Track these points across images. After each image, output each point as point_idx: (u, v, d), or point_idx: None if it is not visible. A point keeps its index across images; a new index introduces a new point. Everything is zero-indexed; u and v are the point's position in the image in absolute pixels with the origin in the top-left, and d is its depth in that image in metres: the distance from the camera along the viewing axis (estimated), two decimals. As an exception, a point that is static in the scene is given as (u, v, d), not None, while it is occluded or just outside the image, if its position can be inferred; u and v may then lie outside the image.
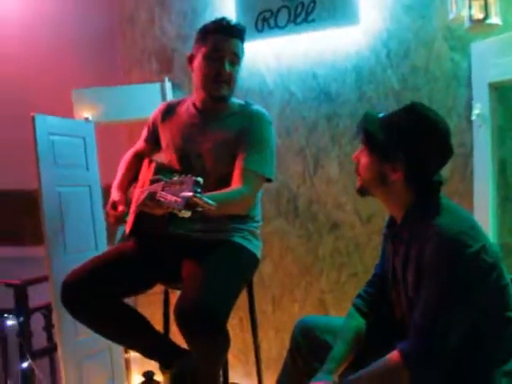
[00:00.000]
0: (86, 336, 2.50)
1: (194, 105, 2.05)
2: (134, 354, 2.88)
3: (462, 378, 1.39)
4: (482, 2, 2.03)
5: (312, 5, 2.55)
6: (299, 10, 2.58)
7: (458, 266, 1.34)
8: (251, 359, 2.25)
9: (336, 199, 2.64)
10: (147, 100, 2.86)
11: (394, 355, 1.39)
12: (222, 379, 1.97)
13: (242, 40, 1.97)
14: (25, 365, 2.55)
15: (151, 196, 1.63)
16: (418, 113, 1.50)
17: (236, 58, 1.95)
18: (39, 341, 2.71)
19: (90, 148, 2.72)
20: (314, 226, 2.70)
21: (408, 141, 1.45)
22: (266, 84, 2.76)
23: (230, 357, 2.73)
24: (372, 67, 2.54)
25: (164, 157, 2.13)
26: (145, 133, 2.23)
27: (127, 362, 2.95)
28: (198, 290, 1.70)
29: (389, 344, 1.44)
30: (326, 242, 2.68)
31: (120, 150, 3.06)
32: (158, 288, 2.34)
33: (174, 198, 1.49)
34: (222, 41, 1.93)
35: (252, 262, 2.04)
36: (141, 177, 2.11)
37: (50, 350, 2.72)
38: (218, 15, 2.74)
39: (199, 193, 1.46)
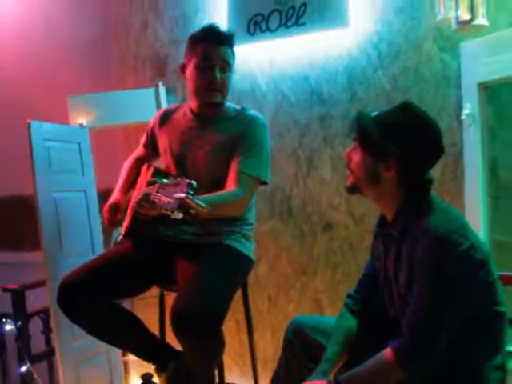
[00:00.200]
0: (84, 340, 2.52)
1: (191, 110, 2.08)
2: (132, 357, 2.90)
3: (452, 373, 1.41)
4: (469, 4, 2.05)
5: (303, 8, 2.58)
6: (290, 13, 2.61)
7: (448, 263, 1.36)
8: (248, 360, 2.27)
9: (329, 200, 2.66)
10: (142, 105, 2.88)
11: (386, 353, 1.41)
12: (217, 380, 1.99)
13: (232, 46, 2.00)
14: (23, 369, 2.55)
15: (146, 197, 1.66)
16: (412, 111, 1.52)
17: (226, 65, 1.97)
18: (38, 345, 2.72)
19: (85, 153, 2.74)
20: (307, 227, 2.72)
21: (403, 138, 1.47)
22: (258, 87, 2.78)
23: (227, 358, 2.76)
24: (363, 68, 2.56)
25: (162, 161, 2.16)
26: (143, 139, 2.27)
27: (125, 364, 2.97)
28: (192, 294, 1.71)
29: (382, 342, 1.45)
30: (320, 242, 2.70)
31: (115, 155, 3.11)
32: (154, 291, 2.36)
33: (168, 200, 1.51)
34: (211, 49, 1.95)
35: (246, 264, 2.06)
36: (139, 181, 2.14)
37: (49, 354, 2.73)
38: (209, 19, 2.80)
39: (192, 195, 1.49)
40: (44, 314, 2.72)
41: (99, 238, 2.77)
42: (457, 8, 2.08)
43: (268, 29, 2.67)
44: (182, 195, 1.48)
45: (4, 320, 2.65)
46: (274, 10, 2.64)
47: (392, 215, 1.54)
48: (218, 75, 1.94)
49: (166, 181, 1.69)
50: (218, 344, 1.78)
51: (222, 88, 1.97)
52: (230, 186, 1.91)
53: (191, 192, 1.50)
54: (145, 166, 2.15)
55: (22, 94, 3.31)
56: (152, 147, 2.21)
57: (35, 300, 2.72)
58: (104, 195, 2.73)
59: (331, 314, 2.61)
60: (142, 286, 2.07)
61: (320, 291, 2.72)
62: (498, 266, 1.50)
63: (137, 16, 3.05)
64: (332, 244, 2.68)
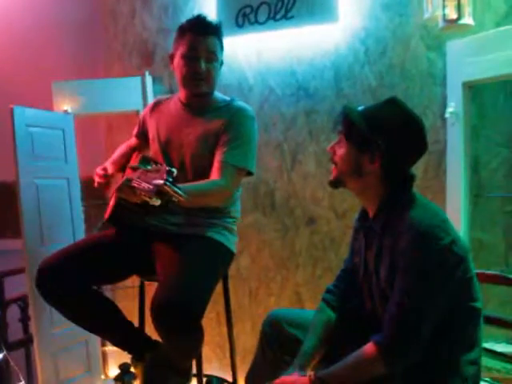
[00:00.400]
0: (62, 328, 2.52)
1: (180, 99, 2.09)
2: (110, 347, 2.89)
3: (428, 367, 1.42)
4: (456, 3, 2.07)
5: (291, 2, 2.57)
6: (279, 6, 2.60)
7: (430, 257, 1.37)
8: (228, 352, 2.27)
9: (312, 194, 2.67)
10: (127, 93, 2.87)
11: (368, 347, 1.42)
12: (195, 372, 1.99)
13: (219, 36, 2.00)
14: (0, 356, 2.54)
15: (127, 182, 1.66)
16: (399, 106, 1.53)
17: (212, 55, 1.97)
18: (15, 332, 2.70)
19: (69, 140, 2.72)
20: (290, 221, 2.73)
21: (388, 131, 1.48)
22: (245, 79, 2.78)
23: (207, 350, 2.77)
24: (350, 64, 2.57)
25: (150, 149, 2.16)
26: (135, 129, 2.27)
27: (104, 354, 2.96)
28: (173, 286, 1.71)
29: (359, 337, 1.47)
30: (302, 236, 2.71)
31: (99, 143, 3.09)
32: (135, 281, 2.35)
33: (147, 186, 1.52)
34: (197, 40, 1.95)
35: (226, 256, 2.06)
36: (128, 166, 2.13)
37: (26, 342, 2.71)
38: (199, 9, 2.79)
39: (170, 182, 1.49)
40: (22, 302, 2.70)
41: (81, 226, 2.75)
42: (444, 6, 2.10)
43: (256, 21, 2.66)
44: (161, 181, 1.49)
45: (-19, 307, 2.62)
46: (262, 3, 2.63)
47: (374, 210, 1.56)
48: (202, 65, 1.95)
49: (149, 167, 1.69)
50: (197, 337, 1.78)
51: (207, 78, 1.97)
52: (214, 175, 1.91)
53: (170, 179, 1.51)
54: (135, 154, 2.18)
55: (6, 79, 3.27)
56: (143, 136, 2.21)
57: (12, 287, 2.69)
58: (87, 183, 2.72)
59: (311, 307, 2.62)
60: (122, 273, 2.06)
61: (301, 285, 2.73)
62: (476, 264, 1.52)
63: (125, 3, 3.02)
64: (314, 238, 2.69)
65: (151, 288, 2.37)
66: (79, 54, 3.20)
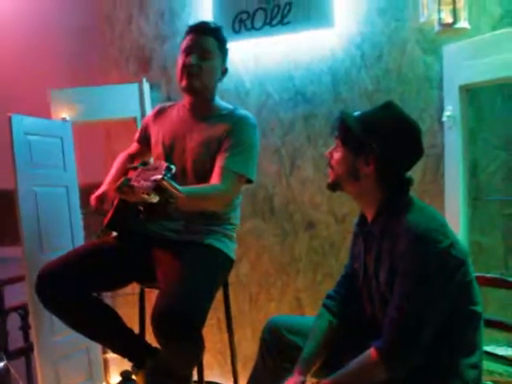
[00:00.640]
0: (63, 336, 2.51)
1: (184, 105, 2.11)
2: (112, 355, 2.88)
3: (429, 371, 1.42)
4: (451, 7, 2.07)
5: (288, 7, 2.58)
6: (275, 12, 2.61)
7: (429, 261, 1.38)
8: (229, 359, 2.27)
9: (311, 199, 2.67)
10: (125, 100, 2.87)
11: (370, 353, 1.42)
12: (196, 379, 1.98)
13: (217, 38, 2.03)
14: (0, 365, 2.53)
15: (126, 182, 1.66)
16: (394, 109, 1.55)
17: (207, 53, 2.00)
18: (15, 341, 2.70)
19: (67, 148, 2.72)
20: (289, 226, 2.73)
21: (383, 134, 1.49)
22: (243, 84, 2.78)
23: (208, 356, 2.76)
24: (347, 69, 2.57)
25: (152, 154, 2.17)
26: (137, 134, 2.28)
27: (105, 362, 2.95)
28: (174, 294, 1.71)
29: (360, 342, 1.47)
30: (301, 241, 2.71)
31: (98, 151, 3.09)
32: (135, 288, 2.35)
33: (146, 183, 1.52)
34: (193, 38, 2.01)
35: (226, 264, 2.06)
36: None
37: (27, 350, 2.70)
38: (195, 16, 2.80)
39: (169, 177, 1.50)
40: (22, 310, 2.69)
41: (80, 234, 2.75)
42: (439, 11, 2.11)
43: (253, 27, 2.67)
44: (159, 176, 1.49)
45: (-19, 315, 2.62)
46: (259, 8, 2.64)
47: (372, 214, 1.56)
48: (193, 60, 1.97)
49: (148, 166, 1.69)
50: (198, 345, 1.77)
51: (198, 72, 1.98)
52: (214, 180, 1.92)
53: (168, 175, 1.52)
54: (136, 161, 2.16)
55: (3, 87, 3.27)
56: (145, 142, 2.22)
57: (12, 296, 2.68)
58: (85, 191, 2.71)
59: (312, 313, 2.61)
60: (121, 280, 2.06)
61: (301, 290, 2.73)
62: (476, 267, 1.52)
63: (121, 9, 3.03)
64: (313, 243, 2.69)
65: (151, 295, 2.37)
66: (76, 60, 3.20)
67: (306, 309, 2.71)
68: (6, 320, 2.63)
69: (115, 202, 1.98)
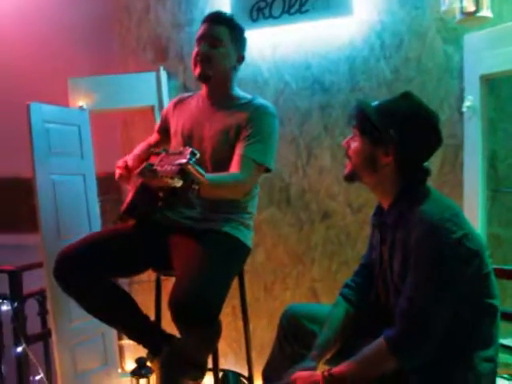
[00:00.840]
0: (79, 322, 2.54)
1: (202, 95, 2.13)
2: (127, 341, 2.91)
3: (443, 363, 1.41)
4: (474, -5, 2.04)
5: (306, -5, 2.56)
6: (293, 0, 2.59)
7: (441, 251, 1.37)
8: (244, 347, 2.28)
9: (328, 189, 2.66)
10: (142, 89, 2.88)
11: (379, 342, 1.42)
12: (211, 366, 2.00)
13: (229, 26, 2.04)
14: (19, 349, 2.57)
15: (149, 167, 1.66)
16: (412, 99, 1.54)
17: (217, 41, 2.01)
18: (33, 326, 2.73)
19: (84, 136, 2.74)
20: (305, 215, 2.72)
21: (402, 124, 1.48)
22: (260, 73, 2.77)
23: (223, 344, 2.78)
24: (365, 58, 2.55)
25: (172, 144, 2.18)
26: (157, 125, 2.31)
27: (121, 348, 2.99)
28: (191, 281, 1.72)
29: (376, 331, 1.46)
30: (317, 231, 2.71)
31: (114, 139, 3.10)
32: (151, 275, 2.36)
33: (170, 167, 1.53)
34: (205, 28, 2.04)
35: (243, 251, 2.06)
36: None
37: (44, 336, 2.74)
38: (212, 4, 2.79)
39: (194, 162, 1.50)
40: (40, 296, 2.73)
41: (97, 221, 2.77)
42: (462, -1, 2.07)
43: (271, 15, 2.65)
44: (184, 160, 1.50)
45: (0, 301, 2.65)
46: (277, -3, 2.63)
47: (388, 204, 1.55)
48: (203, 48, 2.00)
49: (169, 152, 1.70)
50: (215, 331, 1.79)
51: (209, 59, 2.00)
52: (233, 168, 1.93)
53: (193, 159, 1.52)
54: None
55: (23, 75, 3.29)
56: (164, 132, 2.24)
57: (30, 282, 2.72)
58: (102, 179, 2.73)
59: (327, 302, 2.61)
60: (138, 266, 2.08)
61: (316, 280, 2.73)
62: (493, 259, 1.50)
63: (139, -1, 3.03)
64: (329, 233, 2.69)
65: (167, 283, 2.39)
66: (94, 50, 3.21)
67: (321, 298, 2.71)
68: (25, 306, 2.67)
69: (134, 189, 1.99)
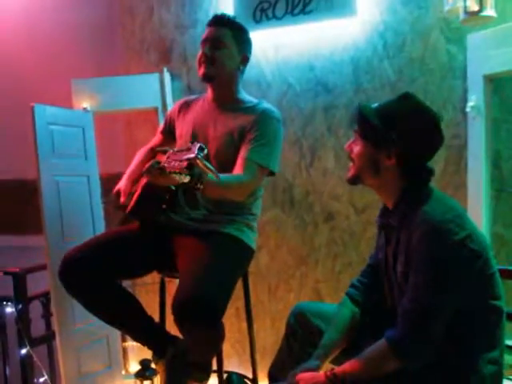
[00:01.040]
0: (83, 324, 2.55)
1: (208, 97, 2.14)
2: (131, 343, 2.91)
3: (447, 365, 1.41)
4: (478, -6, 2.04)
5: (309, -4, 2.56)
6: (297, 1, 2.59)
7: (443, 252, 1.36)
8: (247, 348, 2.27)
9: (332, 190, 2.66)
10: (146, 90, 2.88)
11: (382, 342, 1.42)
12: (216, 368, 2.00)
13: (232, 28, 2.06)
14: (23, 351, 2.57)
15: (156, 164, 1.66)
16: (412, 100, 1.54)
17: (218, 43, 2.03)
18: (38, 328, 2.74)
19: (88, 138, 2.74)
20: (309, 217, 2.72)
21: (403, 125, 1.48)
22: (263, 75, 2.77)
23: (227, 346, 2.77)
24: (369, 59, 2.55)
25: (176, 146, 2.18)
26: (161, 126, 2.31)
27: (125, 350, 2.98)
28: (195, 282, 1.72)
29: (381, 332, 1.46)
30: (321, 232, 2.70)
31: (118, 140, 3.11)
32: (155, 277, 2.36)
33: (178, 163, 1.53)
34: (209, 31, 2.07)
35: (247, 253, 2.06)
36: None
37: (49, 338, 2.74)
38: (215, 5, 2.80)
39: (202, 157, 1.51)
40: (44, 298, 2.73)
41: (101, 223, 2.78)
42: (465, -2, 2.07)
43: (274, 16, 2.65)
44: (192, 155, 1.51)
45: (5, 303, 2.65)
46: (280, -3, 2.62)
47: (392, 205, 1.55)
48: (206, 50, 2.03)
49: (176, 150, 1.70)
50: (219, 334, 1.79)
51: (212, 61, 2.02)
52: (237, 170, 1.94)
53: (201, 154, 1.53)
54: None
55: (27, 77, 3.30)
56: (169, 133, 2.24)
57: (34, 284, 2.72)
58: (106, 180, 2.73)
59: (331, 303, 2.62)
60: (142, 268, 2.08)
61: (320, 281, 2.72)
62: (497, 260, 1.50)
63: (142, 0, 3.03)
64: (333, 234, 2.68)
65: (171, 285, 2.39)
66: (98, 51, 3.22)
67: (324, 299, 2.70)
68: (29, 308, 2.67)
69: (138, 191, 1.99)
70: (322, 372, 1.50)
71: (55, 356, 2.69)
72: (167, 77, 2.91)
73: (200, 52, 2.05)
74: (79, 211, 2.67)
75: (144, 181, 1.97)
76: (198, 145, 1.56)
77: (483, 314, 1.43)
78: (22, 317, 2.58)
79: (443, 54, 2.40)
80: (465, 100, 2.30)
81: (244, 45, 2.09)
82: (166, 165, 1.59)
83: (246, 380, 2.34)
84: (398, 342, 1.39)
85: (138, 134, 3.04)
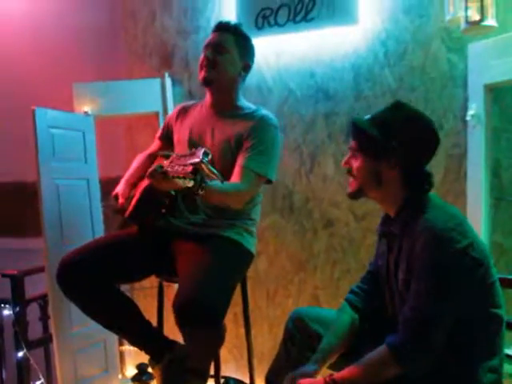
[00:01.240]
0: (81, 328, 2.55)
1: (206, 103, 2.15)
2: (128, 347, 2.91)
3: (447, 373, 1.41)
4: (479, 4, 2.04)
5: (311, 4, 2.57)
6: (299, 8, 2.60)
7: (445, 261, 1.37)
8: (245, 354, 2.27)
9: (331, 197, 2.66)
10: (147, 95, 2.89)
11: (382, 349, 1.42)
12: (213, 373, 1.99)
13: (235, 34, 2.08)
14: (20, 354, 2.56)
15: (160, 168, 1.67)
16: (405, 107, 1.57)
17: (222, 48, 2.05)
18: (35, 331, 2.73)
19: (89, 142, 2.74)
20: (308, 223, 2.72)
21: (401, 132, 1.49)
22: (264, 81, 2.78)
23: (224, 351, 2.77)
24: (370, 66, 2.55)
25: (175, 152, 2.18)
26: (159, 132, 2.32)
27: (121, 354, 2.98)
28: (195, 285, 1.72)
29: (380, 339, 1.46)
30: (320, 238, 2.70)
31: (118, 144, 3.11)
32: (153, 282, 2.36)
33: (182, 167, 1.54)
34: (212, 37, 2.09)
35: (246, 257, 2.07)
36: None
37: (46, 341, 2.73)
38: (218, 12, 2.81)
39: (207, 161, 1.52)
40: (42, 301, 2.72)
41: (100, 226, 2.77)
42: (466, 8, 2.07)
43: (276, 23, 2.66)
44: (197, 160, 1.51)
45: (2, 305, 2.65)
46: (282, 5, 2.63)
47: (394, 213, 1.56)
48: (208, 54, 2.04)
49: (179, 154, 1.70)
50: (219, 336, 1.80)
51: (213, 65, 2.04)
52: (234, 179, 1.94)
53: (206, 158, 1.53)
54: (157, 159, 2.18)
55: (28, 80, 3.31)
56: (167, 139, 2.25)
57: (32, 286, 2.72)
58: (106, 184, 2.74)
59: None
60: (141, 272, 2.08)
61: (319, 287, 2.72)
62: (497, 269, 1.50)
63: (145, 5, 3.04)
64: (332, 241, 2.68)
65: (169, 289, 2.39)
66: (100, 56, 3.23)
67: (323, 305, 2.70)
68: (26, 310, 2.66)
69: (137, 195, 1.99)
70: (321, 378, 1.50)
71: (52, 359, 2.68)
72: (168, 82, 2.92)
73: (202, 56, 2.06)
74: (79, 214, 2.67)
75: (143, 185, 1.98)
76: (203, 149, 1.57)
77: (484, 322, 1.43)
78: (20, 319, 2.58)
79: (444, 62, 2.40)
80: (465, 109, 2.30)
81: (246, 52, 2.10)
82: (169, 169, 1.59)
83: (243, 386, 2.34)
84: (399, 348, 1.39)
85: (139, 139, 3.04)
